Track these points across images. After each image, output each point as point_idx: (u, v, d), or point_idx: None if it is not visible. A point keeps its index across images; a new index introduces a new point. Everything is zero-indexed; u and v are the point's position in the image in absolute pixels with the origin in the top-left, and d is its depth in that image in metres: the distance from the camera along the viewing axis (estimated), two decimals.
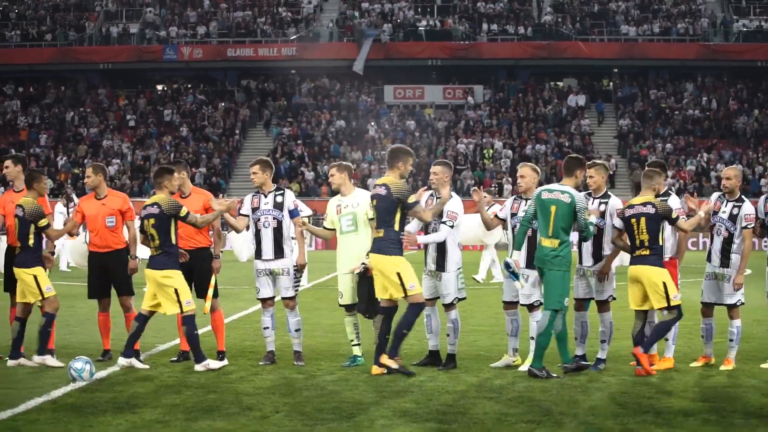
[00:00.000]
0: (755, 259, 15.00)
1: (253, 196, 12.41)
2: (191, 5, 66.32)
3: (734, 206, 11.95)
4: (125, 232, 12.77)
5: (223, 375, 11.32)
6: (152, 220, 11.69)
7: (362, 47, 60.98)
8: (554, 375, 11.10)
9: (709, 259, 12.10)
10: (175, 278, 11.69)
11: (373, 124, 60.53)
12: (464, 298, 12.10)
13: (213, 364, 11.69)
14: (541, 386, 10.56)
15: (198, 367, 11.59)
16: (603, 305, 11.93)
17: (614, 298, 11.95)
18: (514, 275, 11.43)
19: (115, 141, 59.79)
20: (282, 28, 63.98)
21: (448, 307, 11.94)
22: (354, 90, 64.01)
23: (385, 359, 11.19)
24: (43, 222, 12.04)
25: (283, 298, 12.35)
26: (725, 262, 11.90)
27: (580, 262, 12.05)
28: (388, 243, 11.28)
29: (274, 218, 12.21)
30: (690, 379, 11.02)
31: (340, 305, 12.26)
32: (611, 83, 64.38)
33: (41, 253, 12.27)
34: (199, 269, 12.47)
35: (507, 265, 11.45)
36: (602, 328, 11.90)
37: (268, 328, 12.36)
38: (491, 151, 57.65)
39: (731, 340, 11.92)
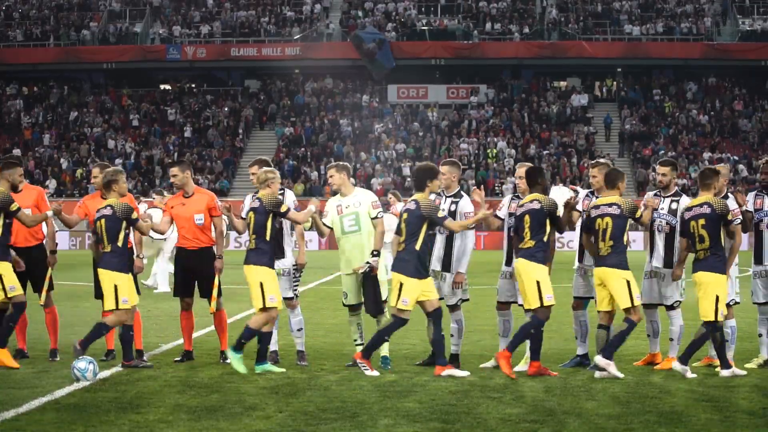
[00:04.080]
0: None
1: (253, 196, 12.39)
2: (195, 5, 66.35)
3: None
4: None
5: (226, 375, 11.33)
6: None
7: (375, 51, 60.78)
8: None
9: None
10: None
11: (378, 124, 60.50)
12: (467, 299, 12.11)
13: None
14: (544, 386, 10.56)
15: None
16: None
17: None
18: None
19: (118, 141, 59.83)
20: (286, 27, 64.00)
21: (453, 308, 11.95)
22: (358, 90, 64.01)
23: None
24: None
25: (284, 298, 12.33)
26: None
27: (581, 260, 12.05)
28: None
29: None
30: (693, 379, 11.01)
31: (345, 305, 12.25)
32: (615, 83, 64.36)
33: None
34: (202, 269, 12.47)
35: None
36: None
37: None
38: (495, 150, 57.65)
39: (726, 341, 11.86)
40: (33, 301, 12.92)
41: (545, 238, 11.34)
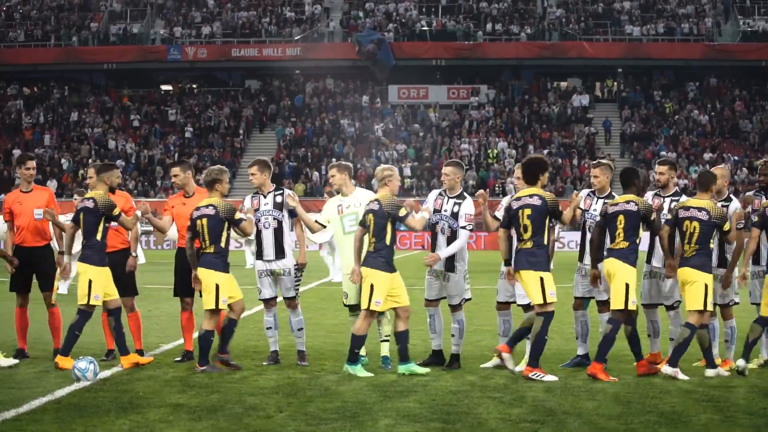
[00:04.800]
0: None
1: (253, 197, 12.40)
2: (196, 5, 66.39)
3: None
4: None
5: (226, 375, 11.33)
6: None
7: (374, 52, 60.74)
8: None
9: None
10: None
11: (379, 125, 60.50)
12: (470, 299, 12.11)
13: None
14: (544, 386, 10.56)
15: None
16: (603, 305, 11.89)
17: None
18: None
19: (119, 141, 59.85)
20: (286, 28, 64.02)
21: (455, 308, 11.95)
22: (358, 90, 64.03)
23: None
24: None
25: (284, 298, 12.35)
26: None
27: (581, 260, 12.03)
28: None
29: (274, 218, 12.20)
30: (693, 379, 11.01)
31: (345, 305, 12.27)
32: (615, 83, 64.39)
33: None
34: None
35: None
36: (602, 328, 11.85)
37: (271, 328, 12.37)
38: (495, 151, 57.66)
39: (726, 341, 11.90)
40: (34, 302, 12.94)
41: (637, 240, 11.25)
